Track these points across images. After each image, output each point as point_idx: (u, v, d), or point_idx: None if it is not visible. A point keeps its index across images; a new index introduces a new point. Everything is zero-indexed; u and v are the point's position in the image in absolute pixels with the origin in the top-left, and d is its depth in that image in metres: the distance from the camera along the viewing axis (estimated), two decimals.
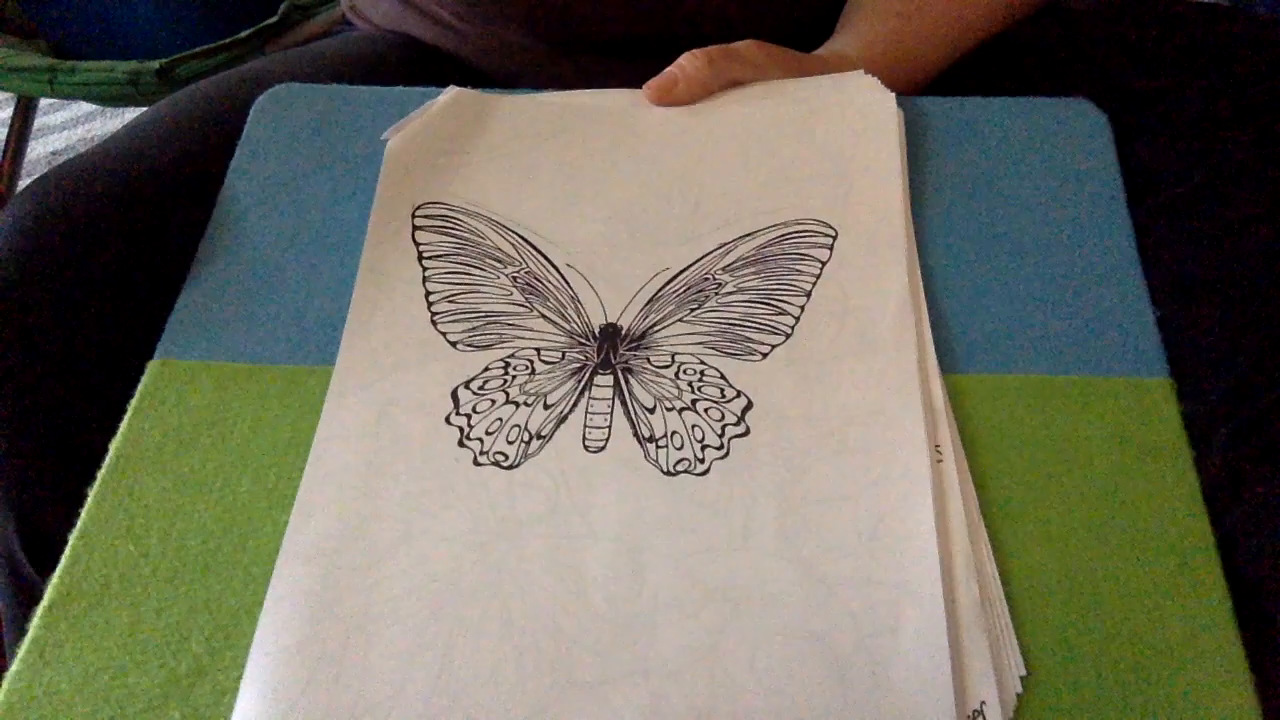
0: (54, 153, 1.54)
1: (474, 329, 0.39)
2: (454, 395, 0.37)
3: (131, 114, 1.45)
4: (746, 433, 0.36)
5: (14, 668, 0.32)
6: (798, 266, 0.40)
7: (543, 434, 0.36)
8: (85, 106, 1.59)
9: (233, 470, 0.36)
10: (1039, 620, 0.32)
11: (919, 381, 0.36)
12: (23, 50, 0.89)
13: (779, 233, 0.41)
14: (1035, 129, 0.44)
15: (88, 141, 1.56)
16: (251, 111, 0.47)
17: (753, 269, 0.40)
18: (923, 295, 0.39)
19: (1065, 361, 0.37)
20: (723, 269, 0.40)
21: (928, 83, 0.51)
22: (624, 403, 0.37)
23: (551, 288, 0.40)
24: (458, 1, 0.57)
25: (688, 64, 0.45)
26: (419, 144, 0.44)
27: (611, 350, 0.38)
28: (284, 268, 0.42)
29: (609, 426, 0.36)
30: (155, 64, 0.81)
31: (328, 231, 0.43)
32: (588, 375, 0.38)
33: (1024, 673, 0.31)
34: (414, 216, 0.42)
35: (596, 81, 0.48)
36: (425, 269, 0.41)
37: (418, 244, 0.42)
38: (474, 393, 0.37)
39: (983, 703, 0.30)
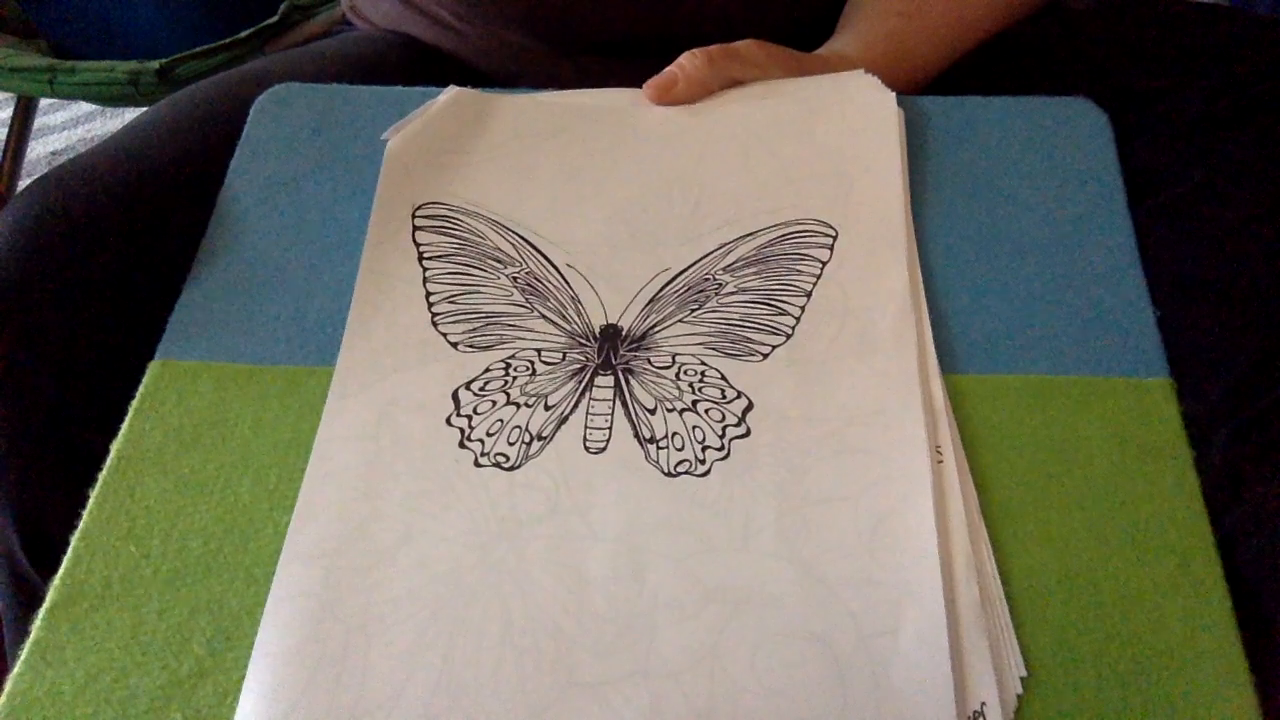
0: (54, 153, 1.54)
1: (474, 330, 0.39)
2: (455, 396, 0.37)
3: (131, 114, 1.45)
4: (747, 434, 0.36)
5: (16, 669, 0.32)
6: (798, 267, 0.40)
7: (543, 435, 0.36)
8: (85, 106, 1.59)
9: (234, 471, 0.36)
10: (1039, 620, 0.32)
11: (919, 382, 0.36)
12: (23, 50, 0.89)
13: (779, 233, 0.41)
14: (1035, 129, 0.44)
15: (88, 141, 1.55)
16: (251, 111, 0.47)
17: (753, 269, 0.40)
18: (923, 295, 0.39)
19: (1065, 361, 0.37)
20: (723, 269, 0.40)
21: (928, 82, 0.51)
22: (625, 404, 0.37)
23: (552, 288, 0.40)
24: (458, 2, 0.56)
25: (688, 63, 0.45)
26: (419, 144, 0.44)
27: (612, 351, 0.38)
28: (284, 268, 0.42)
29: (610, 428, 0.36)
30: (155, 64, 0.81)
31: (328, 231, 0.43)
32: (588, 376, 0.38)
33: (1024, 673, 0.31)
34: (414, 217, 0.42)
35: (596, 81, 0.48)
36: (425, 269, 0.41)
37: (418, 244, 0.42)
38: (475, 394, 0.37)
39: (983, 703, 0.30)
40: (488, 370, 0.38)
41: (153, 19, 0.94)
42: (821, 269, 0.40)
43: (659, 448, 0.36)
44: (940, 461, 0.35)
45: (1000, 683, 0.30)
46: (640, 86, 0.46)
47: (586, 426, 0.36)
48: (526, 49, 0.57)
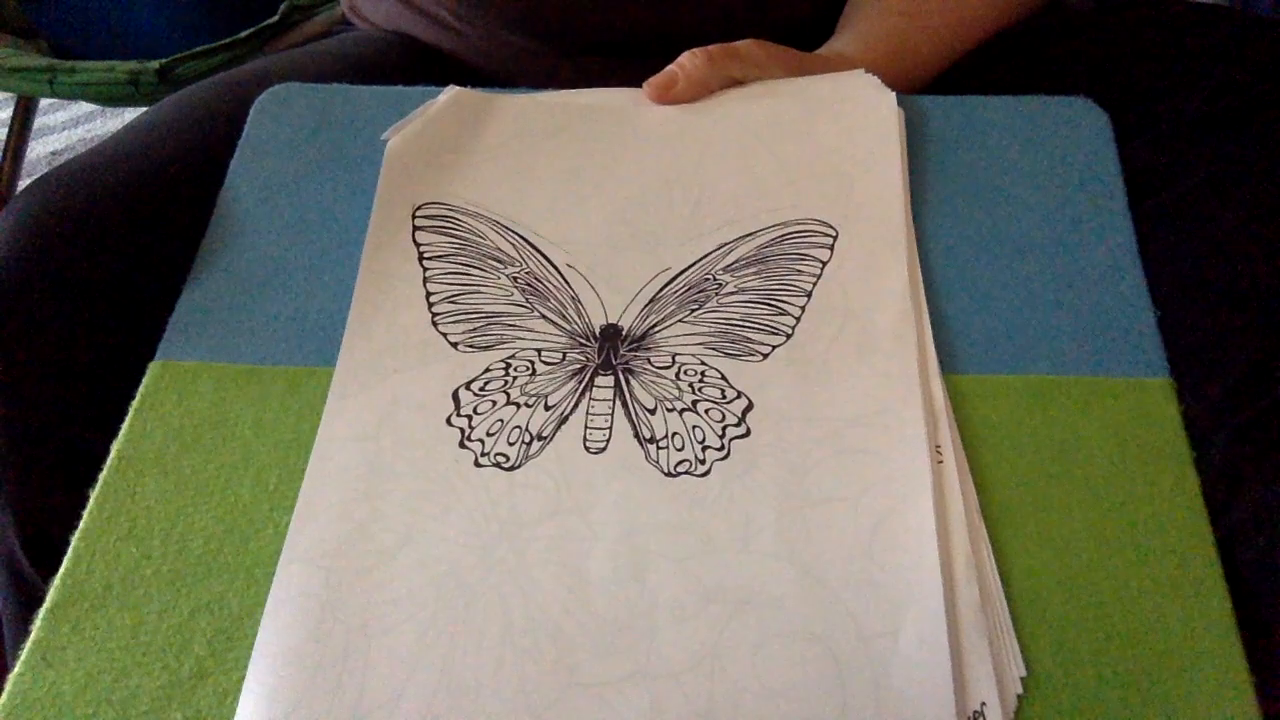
0: (54, 153, 1.54)
1: (475, 330, 0.39)
2: (455, 396, 0.37)
3: (131, 114, 1.45)
4: (747, 434, 0.36)
5: (16, 670, 0.32)
6: (798, 266, 0.40)
7: (543, 435, 0.36)
8: (85, 106, 1.59)
9: (234, 472, 0.36)
10: (1039, 621, 0.32)
11: (919, 382, 0.36)
12: (23, 50, 0.89)
13: (779, 233, 0.41)
14: (1036, 128, 0.44)
15: (88, 141, 1.55)
16: (251, 111, 0.47)
17: (753, 269, 0.40)
18: (923, 295, 0.39)
19: (1065, 361, 0.37)
20: (723, 269, 0.40)
21: (928, 82, 0.51)
22: (625, 404, 0.37)
23: (552, 288, 0.40)
24: (458, 2, 0.56)
25: (688, 62, 0.45)
26: (419, 144, 0.44)
27: (612, 351, 0.38)
28: (285, 268, 0.42)
29: (610, 428, 0.36)
30: (155, 64, 0.81)
31: (328, 231, 0.43)
32: (588, 376, 0.38)
33: (1024, 673, 0.31)
34: (414, 217, 0.42)
35: (596, 81, 0.48)
36: (426, 269, 0.41)
37: (418, 244, 0.42)
38: (475, 394, 0.37)
39: (983, 704, 0.30)
40: (488, 370, 0.38)
41: (153, 19, 0.93)
42: (821, 269, 0.40)
43: (659, 448, 0.36)
44: (940, 462, 0.35)
45: (1000, 683, 0.30)
46: (640, 86, 0.46)
47: (586, 426, 0.36)
48: (526, 49, 0.57)
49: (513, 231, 0.42)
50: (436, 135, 0.45)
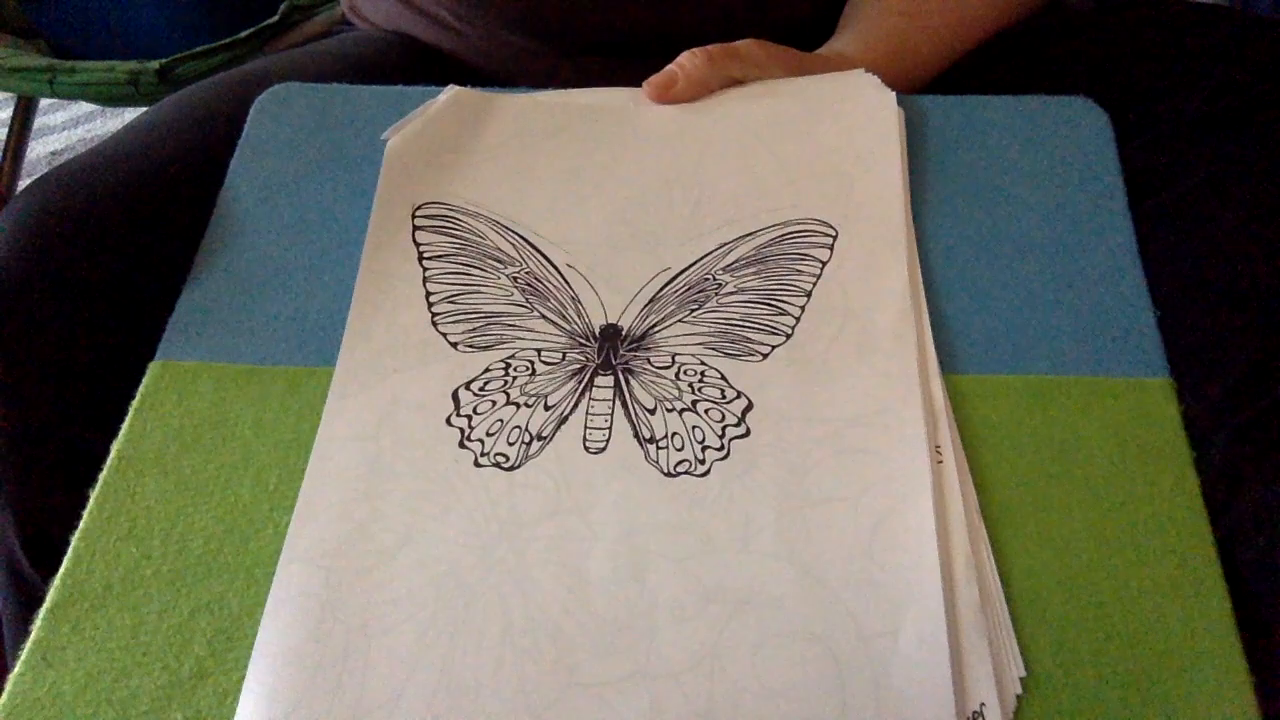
0: (54, 153, 1.54)
1: (474, 330, 0.39)
2: (455, 396, 0.37)
3: (131, 114, 1.45)
4: (747, 434, 0.36)
5: (17, 670, 0.32)
6: (798, 266, 0.40)
7: (543, 435, 0.36)
8: (85, 106, 1.59)
9: (234, 472, 0.36)
10: (1039, 621, 0.32)
11: (919, 382, 0.36)
12: (23, 50, 0.89)
13: (779, 232, 0.41)
14: (1036, 128, 0.44)
15: (88, 141, 1.55)
16: (251, 111, 0.47)
17: (753, 269, 0.40)
18: (923, 295, 0.39)
19: (1065, 361, 0.37)
20: (723, 269, 0.40)
21: (928, 81, 0.51)
22: (624, 404, 0.37)
23: (552, 288, 0.40)
24: (458, 2, 0.56)
25: (688, 62, 0.45)
26: (419, 144, 0.44)
27: (612, 351, 0.38)
28: (284, 268, 0.42)
29: (609, 428, 0.36)
30: (155, 64, 0.81)
31: (328, 232, 0.43)
32: (588, 376, 0.38)
33: (1024, 674, 0.31)
34: (414, 216, 0.42)
35: (596, 81, 0.48)
36: (425, 269, 0.41)
37: (418, 244, 0.42)
38: (475, 394, 0.37)
39: (982, 704, 0.30)
40: (488, 370, 0.38)
41: (153, 19, 0.93)
42: (821, 269, 0.40)
43: (659, 448, 0.36)
44: (940, 462, 0.35)
45: (1000, 683, 0.30)
46: (640, 86, 0.46)
47: (586, 427, 0.36)
48: (526, 49, 0.57)
49: (513, 231, 0.42)
50: (436, 135, 0.45)
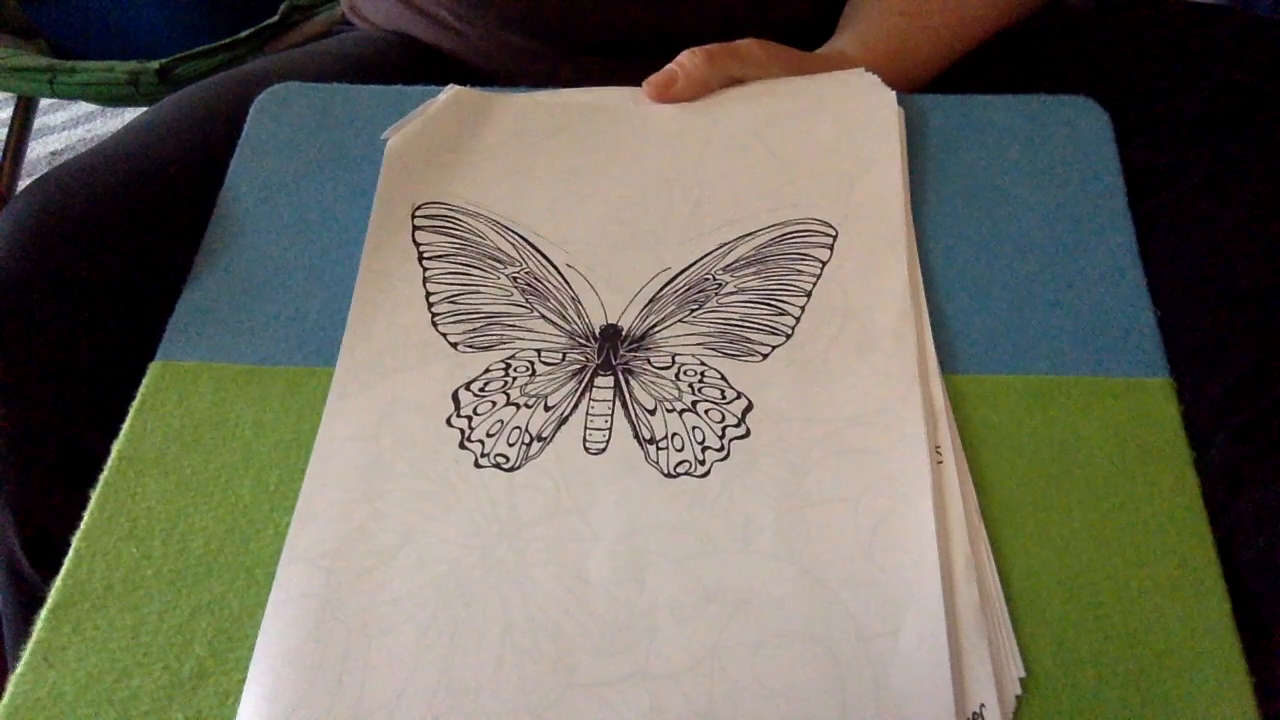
0: (54, 153, 1.54)
1: (475, 330, 0.39)
2: (455, 397, 0.37)
3: (131, 114, 1.45)
4: (747, 434, 0.36)
5: (18, 670, 0.32)
6: (798, 266, 0.40)
7: (543, 436, 0.36)
8: (85, 106, 1.59)
9: (234, 472, 0.36)
10: (1038, 621, 0.32)
11: (919, 382, 0.36)
12: (23, 50, 0.89)
13: (779, 232, 0.41)
14: (1036, 127, 0.44)
15: (88, 141, 1.55)
16: (251, 111, 0.47)
17: (753, 269, 0.40)
18: (923, 295, 0.39)
19: (1065, 361, 0.37)
20: (723, 269, 0.40)
21: (928, 81, 0.51)
22: (624, 404, 0.37)
23: (552, 288, 0.40)
24: (458, 2, 0.56)
25: (688, 61, 0.45)
26: (419, 144, 0.44)
27: (612, 351, 0.38)
28: (285, 268, 0.42)
29: (609, 428, 0.36)
30: (155, 64, 0.81)
31: (328, 232, 0.43)
32: (588, 377, 0.38)
33: (1023, 674, 0.31)
34: (414, 216, 0.42)
35: (596, 81, 0.48)
36: (425, 269, 0.41)
37: (418, 244, 0.42)
38: (475, 394, 0.37)
39: (982, 705, 0.30)
40: (488, 371, 0.38)
41: (153, 19, 0.93)
42: (821, 269, 0.40)
43: (659, 448, 0.36)
44: (940, 462, 0.35)
45: (999, 684, 0.30)
46: (640, 86, 0.46)
47: (586, 427, 0.36)
48: (526, 49, 0.57)
49: (513, 231, 0.42)
50: (436, 135, 0.45)
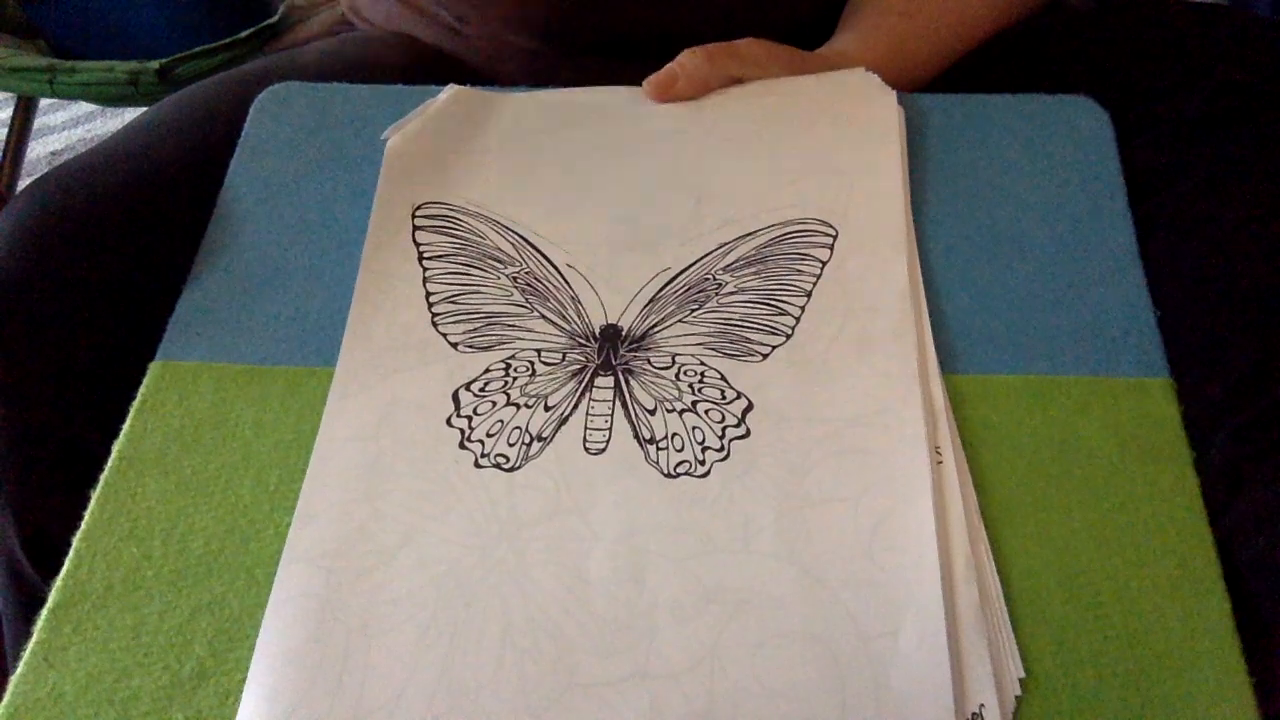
0: (54, 153, 1.54)
1: (475, 330, 0.39)
2: (455, 397, 0.37)
3: (131, 114, 1.45)
4: (747, 434, 0.36)
5: (19, 671, 0.32)
6: (798, 266, 0.40)
7: (543, 436, 0.36)
8: (85, 106, 1.59)
9: (235, 472, 0.36)
10: (1038, 621, 0.32)
11: (919, 382, 0.36)
12: (23, 50, 0.89)
13: (779, 232, 0.41)
14: (1037, 127, 0.44)
15: (88, 141, 1.55)
16: (251, 111, 0.47)
17: (753, 269, 0.40)
18: (923, 295, 0.39)
19: (1065, 361, 0.37)
20: (723, 269, 0.40)
21: (928, 81, 0.51)
22: (624, 404, 0.37)
23: (552, 288, 0.40)
24: (458, 2, 0.56)
25: (688, 61, 0.45)
26: (419, 143, 0.44)
27: (612, 351, 0.38)
28: (285, 268, 0.42)
29: (610, 428, 0.36)
30: (155, 64, 0.81)
31: (328, 232, 0.43)
32: (588, 377, 0.38)
33: (1023, 674, 0.31)
34: (414, 216, 0.42)
35: (596, 81, 0.48)
36: (425, 269, 0.41)
37: (418, 244, 0.42)
38: (475, 394, 0.37)
39: (982, 705, 0.30)
40: (488, 371, 0.38)
41: (153, 19, 0.93)
42: (821, 269, 0.40)
43: (659, 448, 0.36)
44: (940, 462, 0.35)
45: (999, 684, 0.30)
46: (640, 86, 0.46)
47: (586, 427, 0.36)
48: (526, 49, 0.57)
49: (513, 231, 0.42)
50: (436, 134, 0.45)
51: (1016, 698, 0.30)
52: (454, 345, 0.39)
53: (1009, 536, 0.33)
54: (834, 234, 0.41)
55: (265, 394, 0.38)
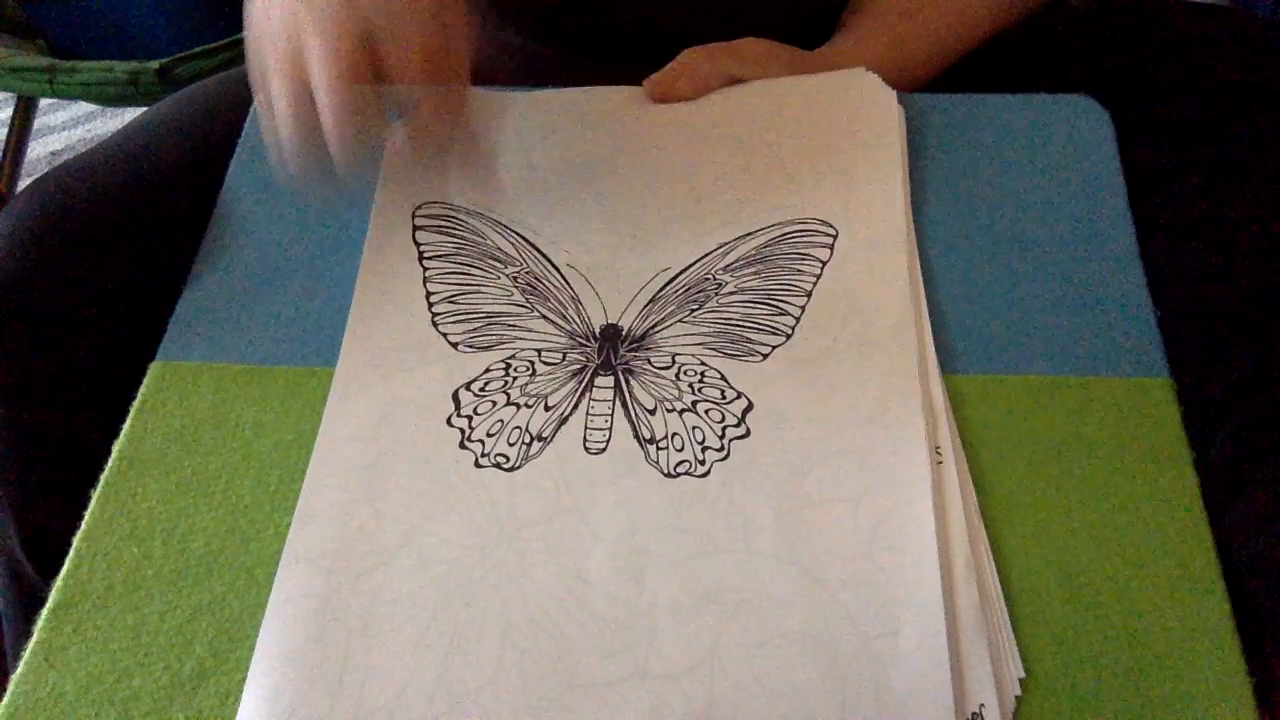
0: (54, 153, 1.54)
1: (475, 330, 0.39)
2: (455, 397, 0.37)
3: (131, 114, 1.45)
4: (747, 434, 0.36)
5: (19, 671, 0.32)
6: (798, 266, 0.40)
7: (543, 436, 0.36)
8: (85, 106, 1.59)
9: (235, 472, 0.36)
10: (1038, 622, 0.32)
11: (919, 382, 0.36)
12: (23, 50, 0.89)
13: (779, 232, 0.41)
14: (1037, 127, 0.44)
15: (88, 141, 1.55)
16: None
17: (753, 269, 0.40)
18: (923, 295, 0.39)
19: (1065, 361, 0.37)
20: (723, 269, 0.40)
21: (929, 81, 0.51)
22: (625, 404, 0.37)
23: (552, 288, 0.40)
24: None
25: (688, 61, 0.45)
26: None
27: (612, 351, 0.38)
28: (285, 268, 0.42)
29: (610, 428, 0.36)
30: (155, 64, 0.82)
31: (328, 232, 0.43)
32: (588, 376, 0.38)
33: (1023, 674, 0.31)
34: (414, 216, 0.42)
35: (596, 82, 0.48)
36: (426, 269, 0.41)
37: (418, 244, 0.42)
38: (475, 394, 0.37)
39: (982, 705, 0.30)
40: (488, 370, 0.38)
41: (153, 19, 0.94)
42: (822, 269, 0.40)
43: (659, 448, 0.36)
44: (940, 462, 0.35)
45: (999, 684, 0.30)
46: (640, 86, 0.46)
47: (586, 427, 0.36)
48: (526, 49, 0.57)
49: (513, 231, 0.42)
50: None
51: (1016, 698, 0.30)
52: (454, 345, 0.39)
53: (1009, 536, 0.33)
54: (834, 234, 0.41)
55: (265, 394, 0.38)
